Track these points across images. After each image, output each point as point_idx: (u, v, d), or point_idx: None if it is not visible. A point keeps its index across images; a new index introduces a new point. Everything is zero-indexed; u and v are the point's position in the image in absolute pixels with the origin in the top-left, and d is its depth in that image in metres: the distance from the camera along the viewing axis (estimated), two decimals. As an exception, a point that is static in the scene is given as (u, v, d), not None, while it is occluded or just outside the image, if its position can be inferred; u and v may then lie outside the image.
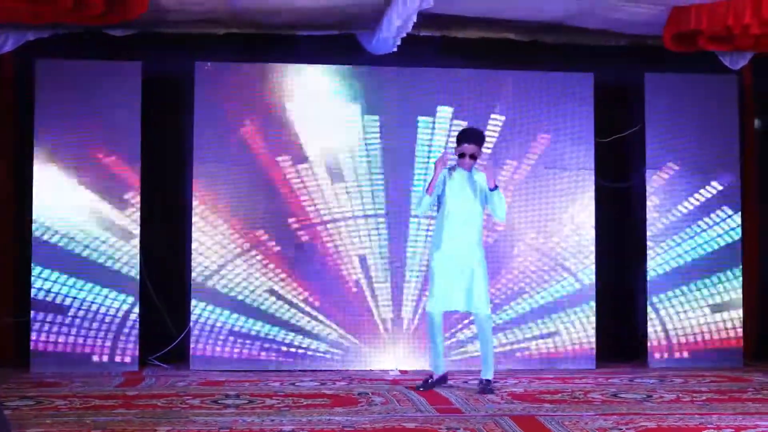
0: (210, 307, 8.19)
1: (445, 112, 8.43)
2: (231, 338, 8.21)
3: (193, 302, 8.19)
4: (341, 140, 8.36)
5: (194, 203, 8.22)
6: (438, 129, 8.42)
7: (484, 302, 6.96)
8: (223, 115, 8.24)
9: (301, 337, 8.27)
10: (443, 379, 7.15)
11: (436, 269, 6.99)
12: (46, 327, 8.00)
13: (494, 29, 8.58)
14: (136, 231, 8.14)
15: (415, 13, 7.04)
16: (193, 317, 8.18)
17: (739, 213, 8.71)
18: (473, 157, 6.96)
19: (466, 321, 8.23)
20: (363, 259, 8.36)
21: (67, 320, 8.02)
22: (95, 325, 8.06)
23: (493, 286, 8.41)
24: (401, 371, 8.12)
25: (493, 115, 8.47)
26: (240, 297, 8.24)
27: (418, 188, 8.02)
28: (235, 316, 8.22)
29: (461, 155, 6.97)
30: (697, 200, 8.67)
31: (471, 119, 8.38)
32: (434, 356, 7.11)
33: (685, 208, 8.66)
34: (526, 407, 6.28)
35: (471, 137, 6.99)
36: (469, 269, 6.93)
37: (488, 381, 6.98)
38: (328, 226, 8.35)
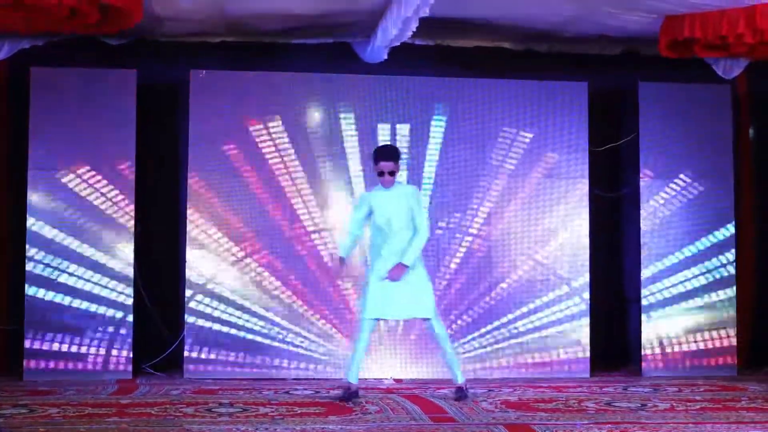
0: (204, 316, 8.18)
1: (439, 120, 8.44)
2: (225, 346, 8.20)
3: (187, 310, 8.18)
4: (335, 148, 8.36)
5: (189, 211, 8.21)
6: (432, 137, 8.43)
7: (430, 306, 6.93)
8: (218, 123, 8.24)
9: (295, 345, 8.26)
10: (355, 393, 6.95)
11: (371, 282, 6.95)
12: (40, 335, 7.97)
13: (489, 38, 8.60)
14: (131, 239, 8.13)
15: (412, 22, 7.05)
16: (187, 325, 8.17)
17: (733, 222, 8.73)
18: (392, 173, 6.97)
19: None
20: (357, 269, 8.35)
21: (61, 328, 8.00)
22: (89, 333, 8.04)
23: (487, 295, 8.43)
24: (395, 380, 8.11)
25: (487, 124, 8.48)
26: (234, 305, 8.23)
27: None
28: (228, 324, 8.21)
29: (380, 173, 6.98)
30: (691, 208, 8.68)
31: (465, 127, 8.40)
32: (352, 364, 6.97)
33: (679, 216, 8.67)
34: (520, 416, 6.28)
35: (387, 155, 6.99)
36: (409, 279, 6.88)
37: (460, 388, 7.01)
38: (323, 234, 8.35)
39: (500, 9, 7.79)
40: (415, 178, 8.37)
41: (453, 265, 8.43)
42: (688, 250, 8.67)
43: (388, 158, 6.96)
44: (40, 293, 7.99)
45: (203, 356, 8.16)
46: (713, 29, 7.26)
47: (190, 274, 8.19)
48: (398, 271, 6.83)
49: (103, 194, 8.11)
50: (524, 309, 8.48)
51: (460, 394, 6.97)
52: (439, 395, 7.14)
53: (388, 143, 7.19)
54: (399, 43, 7.47)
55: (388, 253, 6.94)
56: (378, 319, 7.05)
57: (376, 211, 7.00)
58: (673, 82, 8.69)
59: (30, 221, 8.02)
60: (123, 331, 8.07)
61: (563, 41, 8.59)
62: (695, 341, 8.63)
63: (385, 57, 7.78)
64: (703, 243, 8.69)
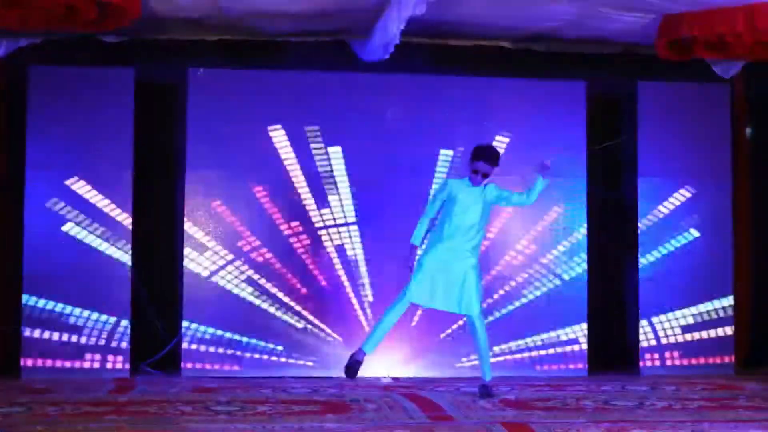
0: (202, 314, 8.18)
1: (437, 119, 8.44)
2: (223, 345, 8.20)
3: (185, 309, 8.18)
4: (334, 146, 8.35)
5: (186, 209, 8.21)
6: (430, 135, 8.43)
7: (475, 305, 6.94)
8: (216, 121, 8.24)
9: (293, 343, 8.26)
10: (360, 362, 6.96)
11: (425, 265, 6.95)
12: (37, 333, 7.97)
13: (487, 37, 8.60)
14: (128, 237, 8.13)
15: (410, 21, 7.05)
16: (184, 324, 8.17)
17: (731, 221, 8.73)
18: (485, 175, 6.98)
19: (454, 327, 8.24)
20: (356, 266, 8.36)
21: (59, 327, 8.00)
22: (86, 331, 8.04)
23: (485, 293, 8.43)
24: (393, 378, 8.11)
25: (485, 123, 8.48)
26: (231, 304, 8.23)
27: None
28: (226, 322, 8.21)
29: (475, 171, 6.98)
30: (689, 208, 8.69)
31: (463, 126, 8.40)
32: (372, 333, 7.02)
33: (677, 215, 8.68)
34: (518, 414, 6.28)
35: (486, 157, 6.97)
36: (461, 274, 6.92)
37: (485, 385, 7.00)
38: (320, 232, 8.35)
39: (498, 11, 7.79)
40: (412, 177, 8.37)
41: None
42: (686, 249, 8.68)
43: (487, 160, 6.95)
44: (38, 292, 7.98)
45: (201, 354, 8.16)
46: (712, 28, 7.26)
47: (188, 272, 8.19)
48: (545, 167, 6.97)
49: (100, 192, 8.10)
50: (522, 308, 8.48)
51: (484, 391, 6.98)
52: (437, 393, 7.13)
53: (492, 145, 7.18)
54: (397, 41, 7.46)
55: (450, 244, 6.93)
56: (412, 303, 7.04)
57: (457, 203, 6.98)
58: (672, 81, 8.69)
59: (27, 219, 8.01)
60: (121, 329, 8.06)
61: (562, 41, 8.58)
62: (693, 340, 8.64)
63: (387, 56, 7.77)
64: (701, 242, 8.69)
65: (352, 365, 6.94)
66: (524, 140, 8.51)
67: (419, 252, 7.08)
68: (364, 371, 7.99)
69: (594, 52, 8.80)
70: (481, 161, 6.94)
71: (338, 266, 8.35)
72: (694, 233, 8.69)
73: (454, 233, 6.96)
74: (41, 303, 7.98)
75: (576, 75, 8.67)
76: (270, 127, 8.28)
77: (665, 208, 8.67)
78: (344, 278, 8.35)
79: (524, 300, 8.50)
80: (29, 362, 7.95)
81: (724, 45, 7.70)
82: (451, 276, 6.92)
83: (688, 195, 8.69)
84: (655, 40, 7.79)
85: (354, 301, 8.35)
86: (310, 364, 8.26)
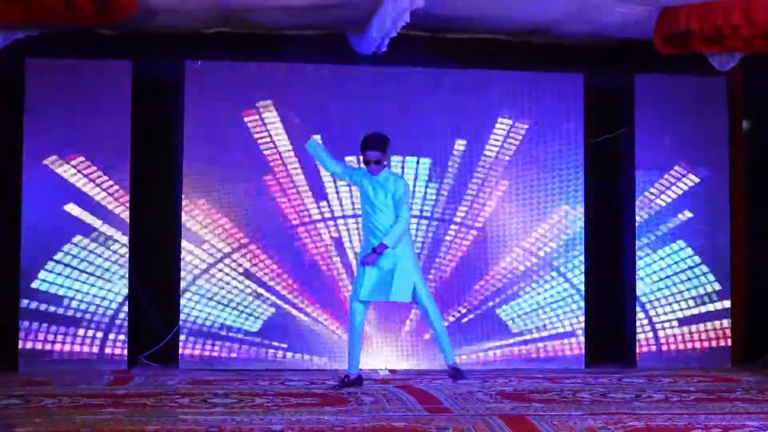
0: (199, 306, 8.19)
1: (436, 111, 8.44)
2: (220, 337, 8.21)
3: (182, 301, 8.19)
4: (331, 139, 8.35)
5: (184, 201, 8.22)
6: (427, 128, 8.43)
7: (409, 292, 7.01)
8: (213, 114, 8.24)
9: (290, 336, 8.27)
10: (358, 380, 7.08)
11: (365, 267, 7.04)
12: (35, 326, 7.97)
13: (484, 30, 8.59)
14: (126, 230, 8.13)
15: (405, 14, 7.03)
16: (182, 316, 8.18)
17: (728, 214, 8.74)
18: (378, 162, 7.02)
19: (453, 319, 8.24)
20: (352, 259, 8.36)
21: (56, 319, 8.00)
22: (84, 324, 8.04)
23: (482, 286, 8.45)
24: (391, 371, 8.12)
25: (482, 115, 8.49)
26: (229, 296, 8.24)
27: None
28: (224, 315, 8.23)
29: (366, 162, 7.05)
30: (686, 201, 8.70)
31: (460, 119, 8.40)
32: (351, 353, 7.13)
33: (674, 208, 8.69)
34: (515, 406, 6.29)
35: (373, 144, 7.04)
36: (392, 264, 6.98)
37: (452, 367, 7.18)
38: (318, 225, 8.35)
39: (496, 4, 7.79)
40: (410, 171, 8.38)
41: (448, 257, 8.44)
42: (683, 242, 8.69)
43: (374, 147, 7.03)
44: (35, 284, 7.99)
45: (198, 347, 8.17)
46: (709, 21, 7.26)
47: (185, 264, 8.19)
48: (371, 257, 6.95)
49: (98, 185, 8.11)
50: (520, 301, 8.50)
51: (453, 372, 7.14)
52: (434, 386, 7.15)
53: (376, 132, 7.21)
54: (395, 34, 7.46)
55: (373, 238, 7.04)
56: (367, 303, 7.10)
57: (362, 194, 7.11)
58: (669, 74, 8.70)
59: (25, 213, 8.01)
60: (118, 322, 8.07)
61: (559, 34, 8.57)
62: (690, 333, 8.65)
63: (384, 49, 7.77)
64: (698, 235, 8.71)
65: (351, 383, 7.02)
66: (522, 133, 8.50)
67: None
68: (362, 365, 8.02)
69: (592, 46, 8.80)
70: (369, 150, 7.01)
71: (336, 259, 8.35)
72: (691, 226, 8.70)
73: (373, 232, 7.05)
74: (39, 295, 7.98)
75: (573, 68, 8.67)
76: (266, 118, 8.28)
77: (662, 201, 8.68)
78: (342, 271, 8.35)
79: (522, 293, 8.50)
80: (26, 354, 7.95)
81: (721, 38, 7.69)
82: (384, 269, 6.98)
83: (685, 188, 8.70)
84: (653, 34, 7.78)
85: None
86: (308, 356, 8.27)
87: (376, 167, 7.03)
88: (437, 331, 7.23)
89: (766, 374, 8.07)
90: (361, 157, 7.27)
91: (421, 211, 8.44)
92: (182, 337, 8.17)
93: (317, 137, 7.28)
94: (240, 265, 8.26)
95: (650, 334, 8.62)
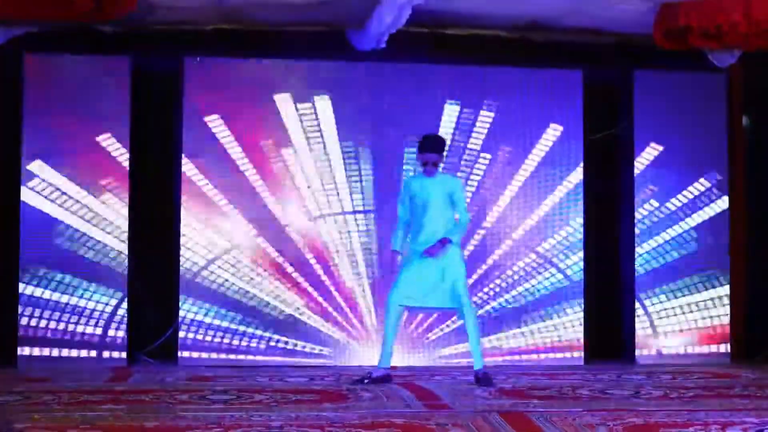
0: (198, 303, 8.19)
1: (433, 108, 8.44)
2: (219, 334, 8.21)
3: (182, 298, 8.19)
4: (330, 136, 8.35)
5: (183, 197, 8.21)
6: (425, 125, 8.42)
7: (463, 296, 6.96)
8: (212, 111, 8.24)
9: (289, 332, 8.27)
10: (386, 378, 7.04)
11: (405, 265, 7.01)
12: (34, 322, 7.97)
13: (483, 26, 8.59)
14: (125, 226, 8.13)
15: (405, 10, 7.04)
16: (181, 313, 8.18)
17: (727, 210, 8.74)
18: (435, 164, 7.02)
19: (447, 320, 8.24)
20: (352, 255, 8.36)
21: (55, 315, 8.00)
22: (83, 320, 8.04)
23: (482, 282, 8.45)
24: (390, 367, 8.11)
25: (482, 112, 8.49)
26: (228, 293, 8.25)
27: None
28: (223, 311, 8.23)
29: (424, 163, 7.03)
30: (686, 197, 8.71)
31: (459, 115, 8.40)
32: (381, 350, 7.08)
33: (674, 205, 8.70)
34: (514, 403, 6.29)
35: (432, 146, 7.03)
36: (441, 268, 6.94)
37: (479, 371, 7.02)
38: (317, 222, 8.35)
39: (494, 2, 7.79)
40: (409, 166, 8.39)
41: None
42: (682, 238, 8.69)
43: (433, 150, 7.01)
44: (34, 281, 7.98)
45: (198, 343, 8.17)
46: (708, 18, 7.25)
47: (185, 260, 8.19)
48: (437, 248, 6.87)
49: (97, 181, 8.10)
50: (519, 297, 8.50)
51: (482, 377, 7.01)
52: (434, 382, 7.15)
53: (436, 134, 7.25)
54: (394, 31, 7.46)
55: (424, 240, 6.97)
56: (404, 306, 7.05)
57: (416, 197, 7.05)
58: (669, 70, 8.69)
59: (23, 208, 8.01)
60: (117, 318, 8.07)
61: (559, 30, 8.57)
62: (689, 329, 8.65)
63: (383, 45, 7.77)
64: (697, 231, 8.71)
65: (375, 381, 6.97)
66: (521, 129, 8.51)
67: (400, 258, 7.10)
68: (362, 360, 8.04)
69: (591, 42, 8.80)
70: (427, 152, 6.99)
71: (336, 255, 8.35)
72: (691, 222, 8.70)
73: (424, 229, 6.99)
74: (38, 292, 7.98)
75: (573, 64, 8.67)
76: (265, 114, 8.28)
77: (662, 197, 8.68)
78: (342, 266, 8.35)
79: (521, 289, 8.51)
80: (26, 351, 7.95)
81: (720, 34, 7.69)
82: (433, 272, 6.93)
83: (685, 183, 8.69)
84: (653, 29, 7.78)
85: (354, 288, 8.35)
86: (309, 352, 8.27)
87: (433, 168, 7.02)
88: (470, 336, 7.03)
89: (765, 371, 8.07)
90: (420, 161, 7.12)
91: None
92: (181, 334, 8.17)
93: (394, 247, 7.12)
94: (239, 261, 8.26)
95: (649, 331, 8.62)
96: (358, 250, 8.37)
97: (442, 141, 7.17)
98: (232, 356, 8.21)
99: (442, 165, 7.11)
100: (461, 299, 6.98)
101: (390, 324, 6.99)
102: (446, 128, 8.46)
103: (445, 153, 7.12)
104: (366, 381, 6.95)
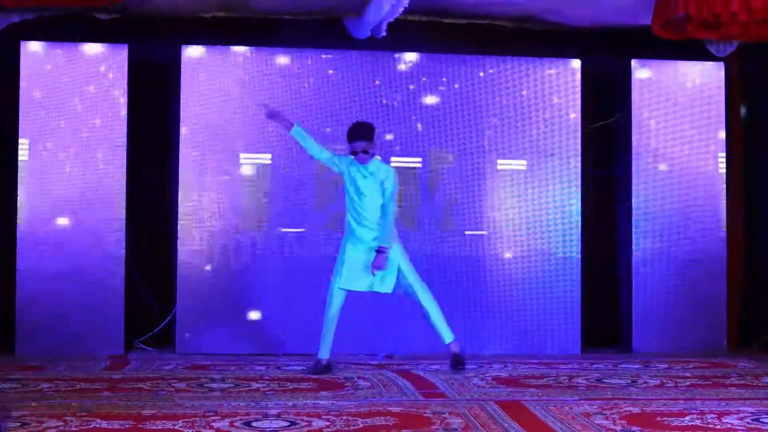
0: (196, 291, 8.18)
1: (431, 95, 8.43)
2: (216, 322, 8.21)
3: (179, 286, 8.18)
4: (330, 124, 8.35)
5: (180, 185, 8.20)
6: (423, 114, 8.42)
7: (411, 274, 7.07)
8: (210, 99, 8.22)
9: (287, 321, 8.27)
10: (328, 367, 7.09)
11: (347, 255, 7.04)
12: (31, 310, 7.96)
13: (481, 15, 8.57)
14: (122, 214, 8.12)
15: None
16: (178, 301, 8.17)
17: (725, 199, 8.75)
18: (365, 151, 7.03)
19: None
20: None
21: (53, 303, 7.99)
22: (81, 308, 8.03)
23: (479, 272, 8.46)
24: (387, 356, 8.13)
25: (479, 101, 8.48)
26: (226, 281, 8.24)
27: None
28: (221, 300, 8.22)
29: (353, 153, 7.05)
30: (683, 187, 8.69)
31: (456, 105, 8.39)
32: (323, 339, 7.12)
33: (671, 194, 8.69)
34: (511, 392, 6.31)
35: (359, 134, 7.05)
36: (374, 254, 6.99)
37: (451, 344, 7.16)
38: (314, 208, 8.35)
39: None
40: (405, 156, 8.37)
41: (445, 243, 8.44)
42: (679, 228, 8.69)
43: (360, 137, 7.04)
44: (32, 268, 7.97)
45: (195, 332, 8.17)
46: (707, 7, 7.24)
47: (182, 249, 8.18)
48: (380, 260, 6.93)
49: (93, 169, 8.09)
50: (516, 286, 8.50)
51: (454, 358, 7.13)
52: (431, 371, 7.16)
53: (361, 122, 7.24)
54: (393, 19, 7.44)
55: (359, 229, 7.04)
56: (347, 291, 7.09)
57: (349, 181, 7.09)
58: (667, 60, 8.68)
59: (20, 196, 8.00)
60: (115, 306, 8.06)
61: (556, 20, 8.56)
62: (686, 318, 8.65)
63: (384, 34, 7.75)
64: (694, 221, 8.71)
65: (321, 371, 7.01)
66: (519, 119, 8.50)
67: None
68: (359, 349, 8.05)
69: (589, 31, 8.78)
70: (355, 140, 7.02)
71: (334, 244, 8.34)
72: (688, 211, 8.69)
73: (357, 214, 7.05)
74: (36, 279, 7.97)
75: (571, 54, 8.65)
76: (262, 102, 8.26)
77: (659, 186, 8.67)
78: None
79: (517, 278, 8.50)
80: (23, 338, 7.94)
81: (719, 24, 7.67)
82: (365, 257, 7.00)
83: (682, 173, 8.69)
84: (652, 19, 7.77)
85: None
86: (305, 341, 8.26)
87: (364, 156, 7.04)
88: (430, 311, 7.14)
89: (761, 360, 8.09)
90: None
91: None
92: (179, 322, 8.17)
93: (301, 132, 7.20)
94: (238, 249, 8.26)
95: (646, 320, 8.62)
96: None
97: (369, 127, 7.14)
98: (229, 344, 8.18)
99: (373, 152, 7.07)
100: (410, 279, 7.06)
101: (333, 311, 7.06)
102: (443, 117, 8.44)
103: (373, 139, 7.07)
104: (317, 368, 7.01)
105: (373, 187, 7.03)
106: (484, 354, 8.25)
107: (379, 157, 7.20)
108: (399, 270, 7.06)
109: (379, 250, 6.93)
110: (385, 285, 7.04)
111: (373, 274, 6.97)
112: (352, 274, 7.01)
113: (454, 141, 8.47)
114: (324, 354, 7.10)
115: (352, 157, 7.07)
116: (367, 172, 7.05)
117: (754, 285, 9.18)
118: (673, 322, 8.63)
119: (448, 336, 7.19)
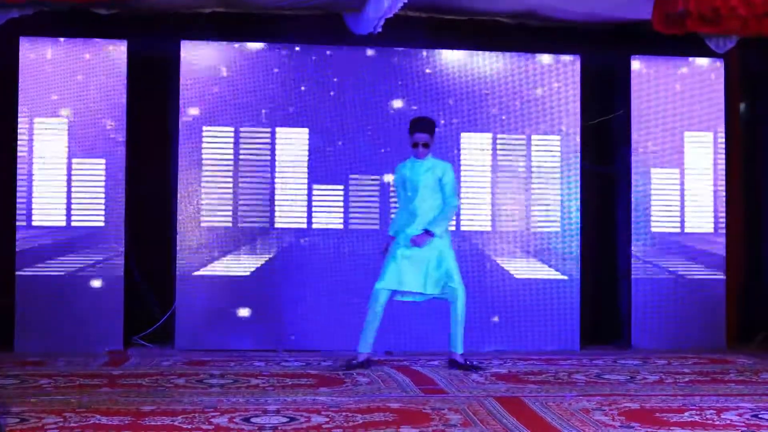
0: (195, 287, 8.18)
1: (431, 92, 8.43)
2: (216, 318, 8.21)
3: (179, 282, 8.18)
4: (328, 118, 8.34)
5: (180, 182, 8.20)
6: (424, 110, 8.41)
7: (457, 279, 7.06)
8: (209, 94, 8.22)
9: (286, 317, 8.27)
10: (367, 363, 7.09)
11: (394, 251, 7.04)
12: (31, 306, 7.96)
13: (481, 11, 8.56)
14: (122, 210, 8.11)
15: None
16: (178, 297, 8.17)
17: (724, 195, 8.75)
18: (426, 145, 7.06)
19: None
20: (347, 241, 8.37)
21: (52, 300, 7.99)
22: (80, 304, 8.03)
23: (478, 268, 8.45)
24: (387, 352, 8.13)
25: (478, 96, 8.48)
26: (225, 277, 8.24)
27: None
28: (220, 295, 8.22)
29: (414, 145, 7.07)
30: (682, 182, 8.69)
31: (458, 100, 8.38)
32: (363, 335, 7.11)
33: (670, 190, 8.68)
34: (510, 388, 6.31)
35: (422, 127, 7.09)
36: (435, 255, 6.99)
37: (463, 355, 7.11)
38: (314, 206, 8.34)
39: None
40: (405, 153, 8.36)
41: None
42: (678, 224, 8.69)
43: (423, 130, 7.08)
44: (31, 264, 7.97)
45: (194, 328, 8.17)
46: (706, 1, 7.23)
47: (182, 245, 8.18)
48: (422, 238, 6.92)
49: (93, 165, 8.08)
50: (515, 282, 8.50)
51: (466, 364, 7.09)
52: (430, 367, 7.16)
53: (424, 116, 7.31)
54: (392, 15, 7.44)
55: (414, 225, 7.02)
56: (392, 291, 7.07)
57: (406, 181, 7.11)
58: (666, 56, 8.68)
59: (20, 195, 8.00)
60: (114, 302, 8.06)
61: (557, 16, 8.54)
62: (685, 314, 8.65)
63: (380, 30, 7.75)
64: (694, 216, 8.71)
65: (355, 366, 7.01)
66: (518, 115, 8.50)
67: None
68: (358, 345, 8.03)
69: (588, 27, 8.77)
70: (417, 132, 7.06)
71: (334, 239, 8.35)
72: (687, 208, 8.70)
73: (413, 214, 7.05)
74: (35, 275, 7.97)
75: (570, 50, 8.64)
76: (262, 98, 8.27)
77: (658, 182, 8.67)
78: (340, 251, 8.34)
79: (516, 274, 8.50)
80: (22, 334, 7.94)
81: (718, 18, 7.66)
82: (424, 260, 6.97)
83: (682, 170, 8.69)
84: (652, 13, 7.76)
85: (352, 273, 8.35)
86: (304, 337, 8.27)
87: (423, 150, 7.07)
88: (458, 319, 7.10)
89: (760, 356, 8.09)
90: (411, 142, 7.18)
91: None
92: (178, 318, 8.16)
93: (390, 232, 7.27)
94: (237, 245, 8.25)
95: (645, 316, 8.62)
96: (357, 237, 8.37)
97: (432, 122, 7.20)
98: (228, 340, 8.18)
99: (429, 153, 7.12)
100: (454, 283, 7.03)
101: (376, 309, 7.04)
102: (443, 113, 8.43)
103: (434, 134, 7.15)
104: (351, 366, 6.98)
105: (429, 182, 7.04)
106: (482, 350, 8.24)
107: (431, 154, 7.20)
108: (447, 271, 7.03)
109: (426, 231, 6.94)
110: (434, 288, 7.02)
111: (412, 243, 6.93)
112: (402, 274, 6.98)
113: (453, 136, 8.45)
114: (364, 349, 7.08)
115: (413, 150, 7.07)
116: (425, 168, 7.06)
117: (753, 281, 9.18)
118: (672, 319, 8.64)
119: (459, 348, 7.15)
